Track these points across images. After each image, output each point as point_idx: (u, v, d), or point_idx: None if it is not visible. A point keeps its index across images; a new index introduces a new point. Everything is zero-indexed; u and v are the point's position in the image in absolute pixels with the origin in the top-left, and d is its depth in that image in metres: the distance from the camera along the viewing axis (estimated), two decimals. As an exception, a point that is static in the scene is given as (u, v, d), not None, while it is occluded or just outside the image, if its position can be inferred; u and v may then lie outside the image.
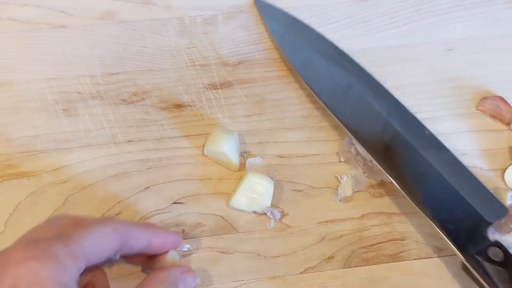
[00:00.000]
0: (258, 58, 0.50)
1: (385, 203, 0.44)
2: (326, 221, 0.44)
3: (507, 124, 0.47)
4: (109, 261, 0.36)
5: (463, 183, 0.42)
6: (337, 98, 0.44)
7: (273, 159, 0.46)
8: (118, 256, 0.36)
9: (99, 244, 0.33)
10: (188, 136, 0.46)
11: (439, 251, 0.43)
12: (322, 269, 0.42)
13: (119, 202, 0.44)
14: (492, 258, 0.39)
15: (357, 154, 0.43)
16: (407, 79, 0.49)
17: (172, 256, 0.39)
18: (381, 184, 0.45)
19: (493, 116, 0.48)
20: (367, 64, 0.50)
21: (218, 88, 0.48)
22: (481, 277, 0.38)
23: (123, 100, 0.48)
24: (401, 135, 0.42)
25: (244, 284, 0.42)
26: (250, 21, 0.51)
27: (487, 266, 0.38)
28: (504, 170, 0.45)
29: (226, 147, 0.44)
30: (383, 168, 0.42)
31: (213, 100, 0.48)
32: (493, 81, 0.49)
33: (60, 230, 0.32)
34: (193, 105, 0.48)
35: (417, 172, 0.42)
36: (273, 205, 0.44)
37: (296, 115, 0.48)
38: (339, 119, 0.44)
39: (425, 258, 0.43)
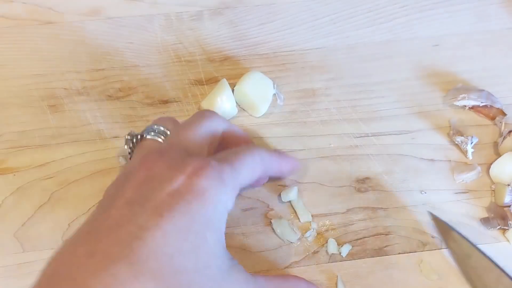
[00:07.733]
0: (244, 54, 0.50)
1: (370, 198, 0.45)
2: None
3: (492, 119, 0.48)
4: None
5: None
6: None
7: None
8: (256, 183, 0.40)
9: (251, 173, 0.37)
10: (174, 131, 0.47)
11: (423, 246, 0.43)
12: (307, 263, 0.42)
13: (104, 197, 0.44)
14: None
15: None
16: (393, 74, 0.49)
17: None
18: (366, 178, 0.45)
19: (478, 111, 0.48)
20: (353, 60, 0.50)
21: (204, 84, 0.49)
22: None
23: (109, 96, 0.48)
24: None
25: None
26: (236, 17, 0.52)
27: None
28: (489, 165, 0.46)
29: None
30: None
31: (199, 96, 0.48)
32: (478, 76, 0.50)
33: (224, 155, 0.36)
34: (179, 101, 0.48)
35: None
36: (258, 200, 0.44)
37: (282, 111, 0.48)
38: None
39: (409, 252, 0.43)
